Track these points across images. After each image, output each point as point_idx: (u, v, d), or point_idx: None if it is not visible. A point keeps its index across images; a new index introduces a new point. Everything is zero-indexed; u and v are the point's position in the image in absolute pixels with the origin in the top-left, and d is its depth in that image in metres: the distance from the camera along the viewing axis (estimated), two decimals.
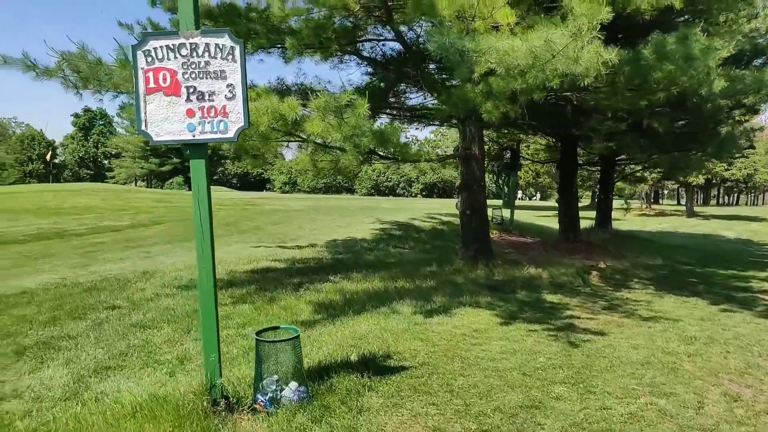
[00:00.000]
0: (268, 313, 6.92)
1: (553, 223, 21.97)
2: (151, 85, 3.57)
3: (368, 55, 11.12)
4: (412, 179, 76.32)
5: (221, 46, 3.55)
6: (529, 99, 6.92)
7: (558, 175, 15.40)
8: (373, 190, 77.16)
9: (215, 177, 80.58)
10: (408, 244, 12.92)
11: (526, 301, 7.57)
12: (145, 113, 3.59)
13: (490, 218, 13.53)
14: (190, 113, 3.57)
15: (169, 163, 72.09)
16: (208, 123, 3.57)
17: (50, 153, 67.17)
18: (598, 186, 20.33)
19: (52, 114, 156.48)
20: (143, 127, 3.61)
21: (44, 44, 6.02)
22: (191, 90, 3.56)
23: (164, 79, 3.56)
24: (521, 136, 16.78)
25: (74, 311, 6.94)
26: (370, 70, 11.89)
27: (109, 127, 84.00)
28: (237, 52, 3.56)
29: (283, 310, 7.02)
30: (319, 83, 9.56)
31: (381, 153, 7.31)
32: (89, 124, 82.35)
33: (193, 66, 3.55)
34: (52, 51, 6.25)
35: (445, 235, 14.50)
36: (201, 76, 3.56)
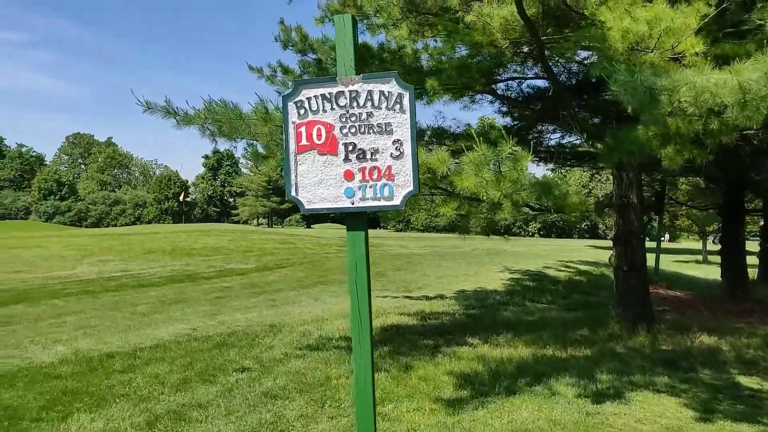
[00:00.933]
0: (406, 384, 6.15)
1: (698, 271, 19.63)
2: (304, 142, 3.00)
3: (503, 94, 10.35)
4: (530, 218, 73.69)
5: (387, 94, 2.91)
6: (717, 141, 5.78)
7: (721, 221, 13.57)
8: (487, 228, 75.23)
9: (331, 215, 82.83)
10: (545, 297, 11.76)
11: (715, 384, 6.22)
12: (296, 175, 3.01)
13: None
14: (349, 175, 2.95)
15: (289, 201, 74.96)
16: (370, 187, 2.92)
17: (183, 193, 72.26)
18: (760, 232, 17.88)
19: (186, 155, 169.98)
20: (293, 193, 3.03)
21: (172, 92, 5.83)
22: (350, 148, 2.95)
23: (319, 135, 2.98)
24: (669, 177, 15.13)
25: (205, 372, 6.58)
26: (504, 109, 11.09)
27: (235, 167, 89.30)
28: (406, 101, 2.91)
29: (422, 382, 6.22)
30: (458, 126, 8.87)
31: (536, 205, 6.44)
32: (217, 164, 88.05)
33: (353, 119, 2.94)
34: (189, 103, 6.09)
35: (584, 288, 13.14)
36: (362, 130, 2.93)
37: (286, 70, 9.63)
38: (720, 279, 13.59)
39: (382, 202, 2.93)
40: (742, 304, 11.43)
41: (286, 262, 18.09)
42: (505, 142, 4.81)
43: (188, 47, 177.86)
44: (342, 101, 2.98)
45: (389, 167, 2.92)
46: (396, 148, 2.92)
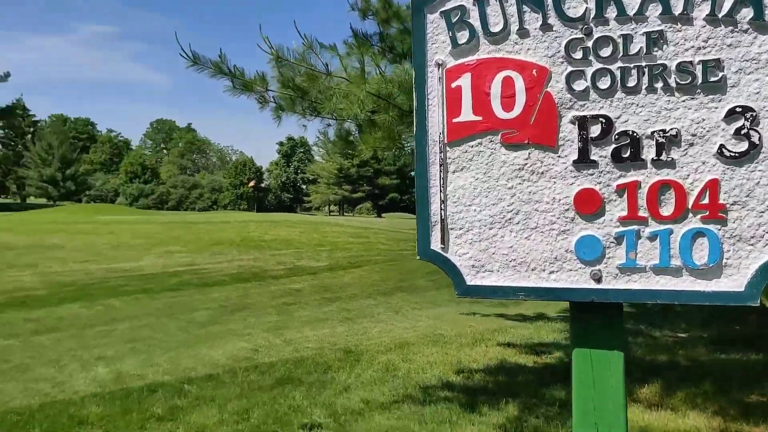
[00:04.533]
0: None
1: None
2: (467, 114, 1.26)
3: None
4: None
5: None
6: None
7: None
8: None
9: (402, 204, 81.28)
10: (678, 325, 9.57)
11: None
12: (442, 201, 1.27)
13: None
14: (590, 203, 1.19)
15: (360, 190, 74.16)
16: (651, 238, 1.15)
17: (254, 181, 72.86)
18: None
19: (262, 142, 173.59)
20: (436, 243, 1.29)
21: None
22: (594, 131, 1.19)
23: (508, 96, 1.23)
24: None
25: (262, 427, 5.01)
26: None
27: (308, 154, 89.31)
28: None
29: None
30: None
31: None
32: (291, 151, 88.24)
33: (605, 52, 1.19)
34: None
35: (725, 312, 10.78)
36: (632, 85, 1.17)
37: (362, 44, 7.87)
38: None
39: (688, 282, 1.12)
40: None
41: (360, 260, 16.57)
42: None
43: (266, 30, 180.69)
44: (575, 9, 1.20)
45: (711, 184, 1.11)
46: (739, 131, 1.10)
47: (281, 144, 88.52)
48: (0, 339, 8.06)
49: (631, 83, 1.18)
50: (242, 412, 5.35)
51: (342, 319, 9.42)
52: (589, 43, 1.20)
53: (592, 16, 1.19)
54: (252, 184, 68.35)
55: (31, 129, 74.37)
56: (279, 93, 4.43)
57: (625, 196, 1.16)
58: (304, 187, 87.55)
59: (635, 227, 1.17)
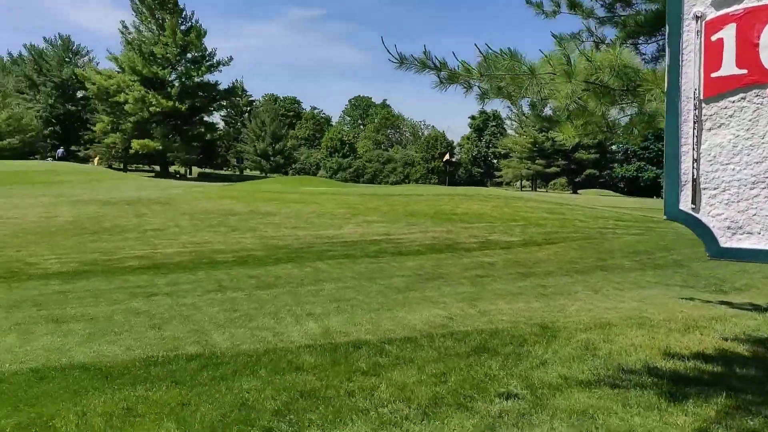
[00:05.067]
0: None
1: None
2: (729, 68, 1.16)
3: None
4: None
5: None
6: None
7: None
8: None
9: (600, 180, 76.42)
10: None
11: None
12: (696, 158, 1.19)
13: None
14: None
15: (556, 165, 71.25)
16: None
17: (447, 154, 73.67)
18: None
19: (453, 116, 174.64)
20: (686, 203, 1.21)
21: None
22: None
23: None
24: None
25: (459, 390, 5.17)
26: None
27: (500, 128, 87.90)
28: None
29: None
30: None
31: None
32: (483, 125, 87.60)
33: None
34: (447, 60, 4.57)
35: None
36: None
37: (573, 5, 7.47)
38: None
39: None
40: None
41: (555, 237, 16.02)
42: None
43: (454, 5, 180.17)
44: None
45: None
46: None
47: (473, 118, 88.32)
48: (230, 291, 9.27)
49: None
50: (439, 375, 5.57)
51: (537, 294, 9.26)
52: None
53: None
54: (445, 158, 69.35)
55: (248, 108, 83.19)
56: (482, 86, 4.52)
57: None
58: (495, 161, 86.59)
59: None
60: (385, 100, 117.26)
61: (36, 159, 57.18)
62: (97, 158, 57.30)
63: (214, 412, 4.70)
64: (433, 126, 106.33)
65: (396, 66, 4.62)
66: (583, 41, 7.08)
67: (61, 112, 68.51)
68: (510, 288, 9.67)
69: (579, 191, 67.53)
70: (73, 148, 66.05)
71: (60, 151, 59.99)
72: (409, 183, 76.37)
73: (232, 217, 18.85)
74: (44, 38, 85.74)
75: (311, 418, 4.62)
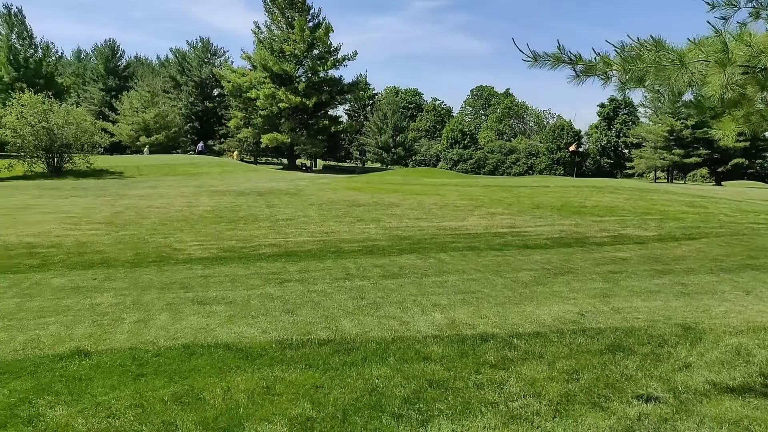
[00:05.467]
0: None
1: None
2: None
3: None
4: None
5: None
6: None
7: None
8: None
9: (749, 170, 69.35)
10: None
11: None
12: None
13: None
14: None
15: (696, 154, 65.81)
16: None
17: (574, 144, 70.49)
18: None
19: (580, 104, 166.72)
20: None
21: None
22: None
23: None
24: None
25: (593, 389, 4.94)
26: None
27: (632, 116, 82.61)
28: None
29: None
30: None
31: None
32: (613, 113, 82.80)
33: None
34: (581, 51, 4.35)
35: None
36: None
37: None
38: None
39: None
40: None
41: (696, 232, 14.78)
42: None
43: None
44: None
45: None
46: None
47: (602, 106, 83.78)
48: (357, 280, 9.53)
49: None
50: (571, 372, 5.37)
51: (676, 293, 8.61)
52: None
53: None
54: (572, 148, 66.46)
55: (370, 101, 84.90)
56: (622, 77, 4.27)
57: None
58: (626, 151, 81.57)
59: None
60: (507, 89, 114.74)
61: (177, 153, 62.37)
62: (236, 152, 61.28)
63: (346, 396, 4.87)
64: (559, 115, 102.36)
65: (529, 65, 4.48)
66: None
67: (199, 109, 74.18)
68: (646, 285, 9.08)
69: (723, 183, 61.84)
70: (209, 142, 71.26)
71: (200, 145, 65.02)
72: (532, 174, 74.10)
73: (356, 207, 19.37)
74: (187, 41, 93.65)
75: (440, 407, 4.64)
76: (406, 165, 78.27)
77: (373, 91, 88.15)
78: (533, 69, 4.42)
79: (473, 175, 61.42)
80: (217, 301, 8.10)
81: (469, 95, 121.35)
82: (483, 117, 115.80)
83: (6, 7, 59.77)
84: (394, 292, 8.59)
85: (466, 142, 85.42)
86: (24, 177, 34.69)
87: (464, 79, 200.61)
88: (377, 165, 78.76)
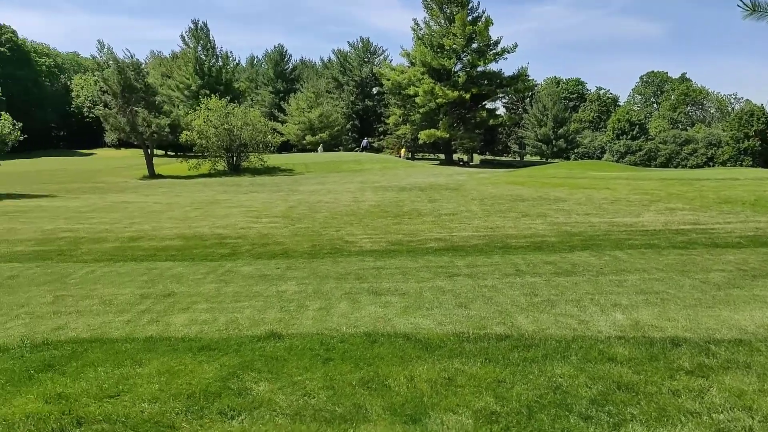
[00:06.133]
0: None
1: None
2: None
3: None
4: None
5: None
6: None
7: None
8: None
9: None
10: None
11: None
12: None
13: None
14: None
15: None
16: None
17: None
18: None
19: None
20: None
21: None
22: None
23: None
24: None
25: None
26: None
27: None
28: None
29: None
30: None
31: None
32: None
33: None
34: None
35: None
36: None
37: None
38: None
39: None
40: None
41: None
42: None
43: None
44: None
45: None
46: None
47: None
48: (528, 276, 9.30)
49: None
50: None
51: None
52: None
53: None
54: None
55: (529, 93, 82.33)
56: None
57: None
58: None
59: None
60: (683, 73, 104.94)
61: (339, 150, 65.59)
62: (403, 150, 62.89)
63: (529, 392, 4.79)
64: (747, 99, 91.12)
65: (746, 15, 4.06)
66: None
67: (359, 108, 77.42)
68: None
69: None
70: (369, 139, 74.11)
71: (365, 141, 67.90)
72: (713, 166, 66.98)
73: (520, 202, 18.95)
74: (348, 42, 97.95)
75: (632, 412, 4.39)
76: (568, 158, 74.87)
77: (535, 83, 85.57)
78: (747, 21, 3.99)
79: (643, 167, 57.06)
80: (391, 292, 8.38)
81: (638, 82, 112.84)
82: (654, 105, 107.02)
83: (194, 22, 67.20)
84: (569, 290, 8.27)
85: (634, 132, 79.51)
86: (209, 174, 38.86)
87: (632, 65, 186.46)
88: (536, 158, 76.36)
